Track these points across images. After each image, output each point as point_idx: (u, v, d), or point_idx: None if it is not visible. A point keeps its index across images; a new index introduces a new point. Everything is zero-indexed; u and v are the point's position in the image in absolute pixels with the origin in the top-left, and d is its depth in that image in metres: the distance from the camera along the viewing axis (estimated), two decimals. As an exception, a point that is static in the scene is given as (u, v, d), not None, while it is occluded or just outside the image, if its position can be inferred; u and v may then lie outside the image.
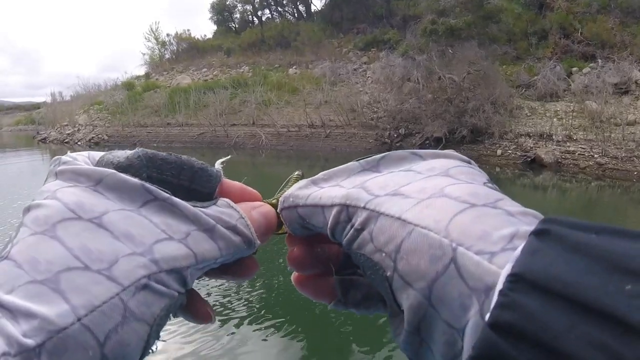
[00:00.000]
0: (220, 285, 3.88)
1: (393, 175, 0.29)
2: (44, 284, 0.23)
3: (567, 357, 0.15)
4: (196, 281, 0.30)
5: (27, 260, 0.24)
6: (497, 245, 0.21)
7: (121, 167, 0.30)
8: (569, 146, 10.34)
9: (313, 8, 23.96)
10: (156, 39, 25.64)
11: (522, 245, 0.19)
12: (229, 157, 0.39)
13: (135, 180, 0.29)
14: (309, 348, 3.14)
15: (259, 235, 0.32)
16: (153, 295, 0.26)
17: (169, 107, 17.79)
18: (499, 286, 0.18)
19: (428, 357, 0.24)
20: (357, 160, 0.32)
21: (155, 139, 16.66)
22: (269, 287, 4.00)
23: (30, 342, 0.21)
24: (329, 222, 0.29)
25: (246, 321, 3.41)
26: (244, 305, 3.67)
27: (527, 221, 0.22)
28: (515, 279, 0.18)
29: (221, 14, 25.45)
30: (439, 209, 0.24)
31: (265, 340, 3.19)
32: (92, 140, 17.52)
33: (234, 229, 0.31)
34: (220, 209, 0.31)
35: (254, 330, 3.30)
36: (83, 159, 0.31)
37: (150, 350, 0.26)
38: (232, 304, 3.68)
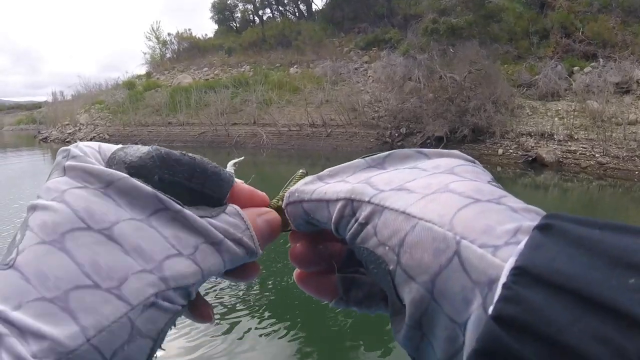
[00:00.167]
0: (220, 286, 3.88)
1: (398, 172, 0.29)
2: (54, 303, 0.23)
3: (570, 350, 0.15)
4: None
5: (35, 275, 0.23)
6: (500, 239, 0.21)
7: (133, 168, 0.29)
8: (570, 146, 10.32)
9: (314, 7, 23.98)
10: (157, 38, 25.66)
11: (526, 239, 0.19)
12: (242, 158, 0.39)
13: (148, 188, 0.28)
14: (311, 349, 3.14)
15: (261, 244, 0.32)
16: (159, 312, 0.26)
17: (170, 107, 17.78)
18: (503, 279, 0.18)
19: (429, 353, 0.24)
20: (362, 158, 0.32)
21: (156, 138, 16.64)
22: (270, 287, 4.00)
23: None
24: (333, 217, 0.29)
25: (247, 321, 3.41)
26: (244, 306, 3.67)
27: (530, 217, 0.22)
28: (519, 272, 0.18)
29: (222, 13, 25.44)
30: (444, 203, 0.24)
31: (266, 340, 3.19)
32: (93, 140, 17.38)
33: (239, 241, 0.31)
34: (228, 219, 0.31)
35: (254, 329, 3.30)
36: (93, 153, 0.30)
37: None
38: (232, 304, 3.69)
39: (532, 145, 10.69)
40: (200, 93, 17.49)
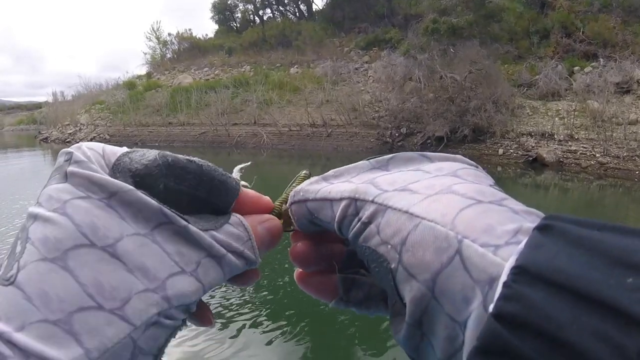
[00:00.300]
0: (220, 288, 3.87)
1: (402, 174, 0.29)
2: (57, 325, 0.22)
3: (570, 347, 0.16)
4: None
5: (37, 295, 0.23)
6: (501, 239, 0.21)
7: (138, 176, 0.29)
8: (570, 145, 10.32)
9: (314, 7, 24.00)
10: (157, 38, 25.66)
11: (526, 239, 0.20)
12: (249, 163, 0.39)
13: (154, 202, 0.28)
14: (312, 352, 3.14)
15: (261, 252, 0.33)
16: (161, 329, 0.26)
17: (171, 107, 17.80)
18: (503, 278, 0.19)
19: (428, 353, 0.24)
20: (367, 160, 0.32)
21: (156, 139, 16.67)
22: (271, 290, 3.99)
23: None
24: (337, 216, 0.29)
25: (248, 324, 3.41)
26: (245, 307, 3.67)
27: (530, 219, 0.22)
28: (519, 271, 0.18)
29: (222, 13, 25.47)
30: (446, 203, 0.24)
31: (267, 342, 3.19)
32: (94, 140, 17.37)
33: (241, 254, 0.31)
34: (231, 231, 0.31)
35: (255, 333, 3.29)
36: (96, 157, 0.29)
37: None
38: (233, 306, 3.68)
39: (533, 145, 10.69)
40: (201, 93, 17.50)
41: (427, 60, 12.32)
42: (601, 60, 12.41)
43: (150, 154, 0.30)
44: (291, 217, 0.34)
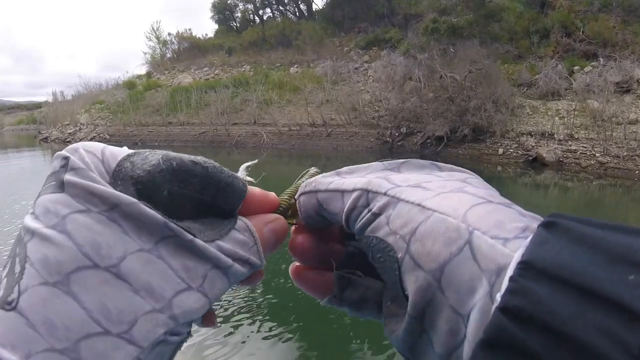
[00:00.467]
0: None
1: (415, 175, 0.30)
2: (64, 354, 0.22)
3: (574, 341, 0.16)
4: None
5: (42, 322, 0.22)
6: (511, 233, 0.22)
7: (141, 183, 0.27)
8: (570, 145, 10.32)
9: (314, 7, 23.99)
10: (157, 38, 25.66)
11: (532, 235, 0.20)
12: (256, 161, 0.38)
13: (158, 216, 0.26)
14: (311, 349, 3.14)
15: (266, 253, 0.32)
16: (167, 346, 0.26)
17: (170, 106, 17.80)
18: (510, 272, 0.19)
19: (427, 350, 0.24)
20: (380, 161, 0.33)
21: (156, 138, 16.67)
22: (272, 290, 3.99)
23: None
24: (346, 207, 0.29)
25: (247, 324, 3.41)
26: (244, 306, 3.67)
27: (537, 221, 0.23)
28: (524, 266, 0.18)
29: (222, 13, 25.46)
30: (458, 200, 0.25)
31: (267, 342, 3.19)
32: (93, 140, 17.39)
33: (247, 260, 0.30)
34: (237, 237, 0.30)
35: (256, 333, 3.30)
36: (95, 163, 0.27)
37: None
38: (231, 304, 3.68)
39: (533, 144, 10.69)
40: (201, 93, 17.50)
41: (427, 59, 12.31)
42: (601, 59, 12.41)
43: (154, 158, 0.28)
44: (298, 209, 0.34)
